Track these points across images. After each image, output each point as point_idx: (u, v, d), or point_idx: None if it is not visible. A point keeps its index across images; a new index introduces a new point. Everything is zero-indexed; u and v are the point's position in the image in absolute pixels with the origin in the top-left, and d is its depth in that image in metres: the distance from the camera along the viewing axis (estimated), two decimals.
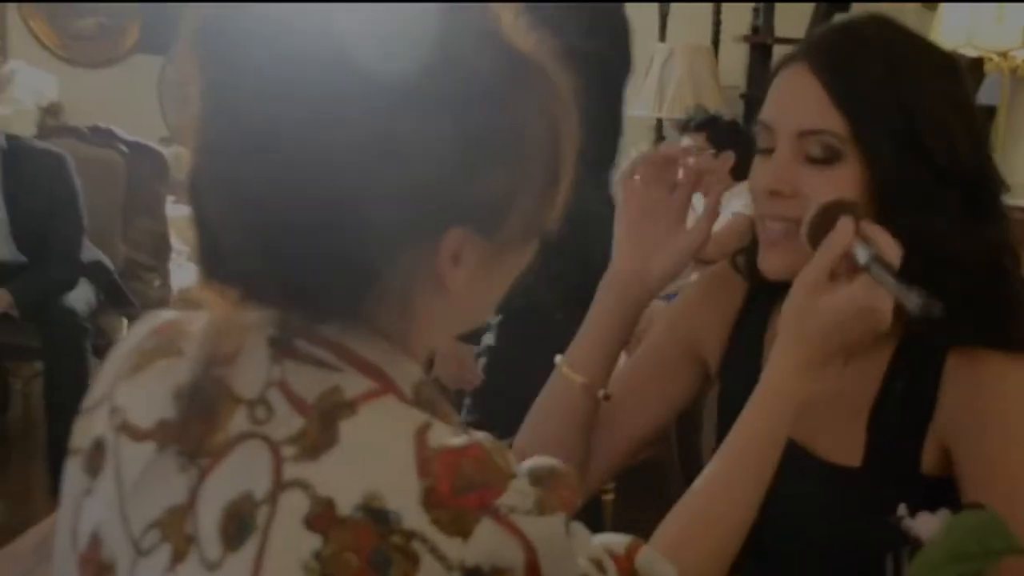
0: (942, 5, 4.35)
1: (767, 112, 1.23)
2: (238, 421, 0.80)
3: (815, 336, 1.08)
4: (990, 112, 4.34)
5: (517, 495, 0.77)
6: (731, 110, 4.81)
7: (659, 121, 5.62)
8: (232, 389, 0.82)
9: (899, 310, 1.09)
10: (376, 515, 0.75)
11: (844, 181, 1.17)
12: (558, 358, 1.32)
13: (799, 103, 1.20)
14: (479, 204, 0.81)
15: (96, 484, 0.86)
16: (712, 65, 5.38)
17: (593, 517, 2.17)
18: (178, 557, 0.79)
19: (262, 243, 0.79)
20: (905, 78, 1.18)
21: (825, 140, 1.17)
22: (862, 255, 1.05)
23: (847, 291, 1.06)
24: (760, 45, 5.67)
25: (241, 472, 0.79)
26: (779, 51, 5.70)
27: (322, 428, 0.78)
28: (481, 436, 0.80)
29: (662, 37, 5.47)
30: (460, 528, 0.75)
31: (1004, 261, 1.21)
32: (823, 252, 1.08)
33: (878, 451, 1.23)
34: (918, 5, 4.66)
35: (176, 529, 0.80)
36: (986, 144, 1.24)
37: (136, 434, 0.85)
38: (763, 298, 1.35)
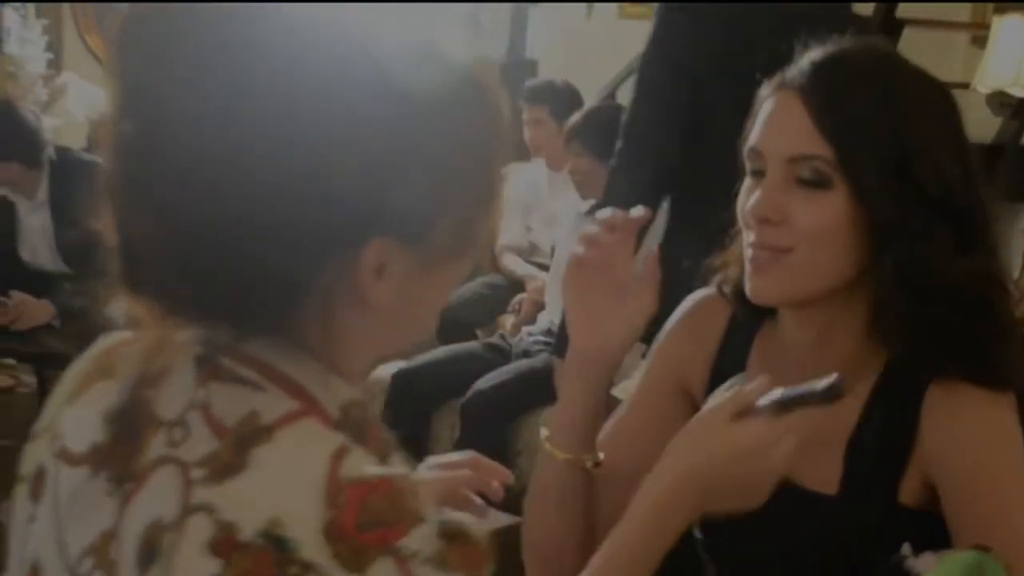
0: (990, 43, 4.32)
1: (756, 138, 1.22)
2: (157, 444, 0.79)
3: (703, 464, 1.06)
4: None
5: (421, 541, 0.74)
6: None
7: None
8: (155, 411, 0.81)
9: (882, 340, 1.09)
10: (276, 542, 0.72)
11: (832, 208, 1.17)
12: (541, 432, 1.30)
13: (788, 129, 1.19)
14: (402, 214, 0.79)
15: (37, 511, 0.86)
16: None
17: None
18: None
19: (180, 257, 0.77)
20: (897, 108, 1.18)
21: (815, 165, 1.17)
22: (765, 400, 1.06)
23: (753, 429, 1.05)
24: None
25: (156, 497, 0.77)
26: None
27: (235, 452, 0.76)
28: (399, 471, 0.77)
29: None
30: (358, 564, 0.72)
31: (992, 294, 1.20)
32: (738, 393, 1.07)
33: (855, 480, 1.23)
34: (967, 43, 4.64)
35: (105, 556, 0.79)
36: (977, 176, 1.23)
37: (72, 459, 0.84)
38: (745, 322, 1.35)
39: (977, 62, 4.36)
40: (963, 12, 5.60)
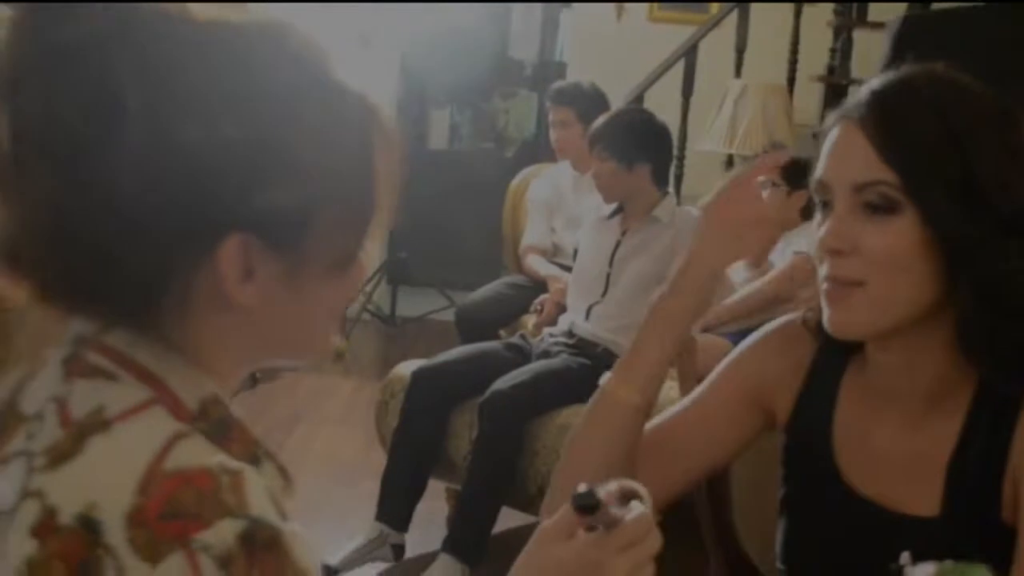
0: None
1: (821, 170, 1.24)
2: (18, 440, 0.81)
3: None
4: None
5: (217, 536, 0.74)
6: (802, 148, 4.78)
7: (729, 157, 5.61)
8: (19, 408, 0.83)
9: (971, 361, 1.09)
10: (89, 524, 0.74)
11: (903, 233, 1.17)
12: (604, 377, 1.35)
13: (851, 158, 1.20)
14: (264, 215, 0.79)
15: None
16: (786, 103, 5.36)
17: None
18: None
19: (46, 241, 0.79)
20: (958, 128, 1.18)
21: (881, 190, 1.17)
22: None
23: (575, 545, 0.97)
24: (836, 85, 5.64)
25: (6, 486, 0.79)
26: (854, 92, 5.67)
27: (74, 441, 0.78)
28: (234, 466, 0.77)
29: (737, 73, 5.46)
30: (151, 554, 0.73)
31: None
32: (565, 510, 0.99)
33: (957, 500, 1.23)
34: None
35: None
36: None
37: None
38: (833, 357, 1.36)
39: None
40: None
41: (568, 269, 3.98)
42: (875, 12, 5.77)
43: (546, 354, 3.47)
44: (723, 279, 3.87)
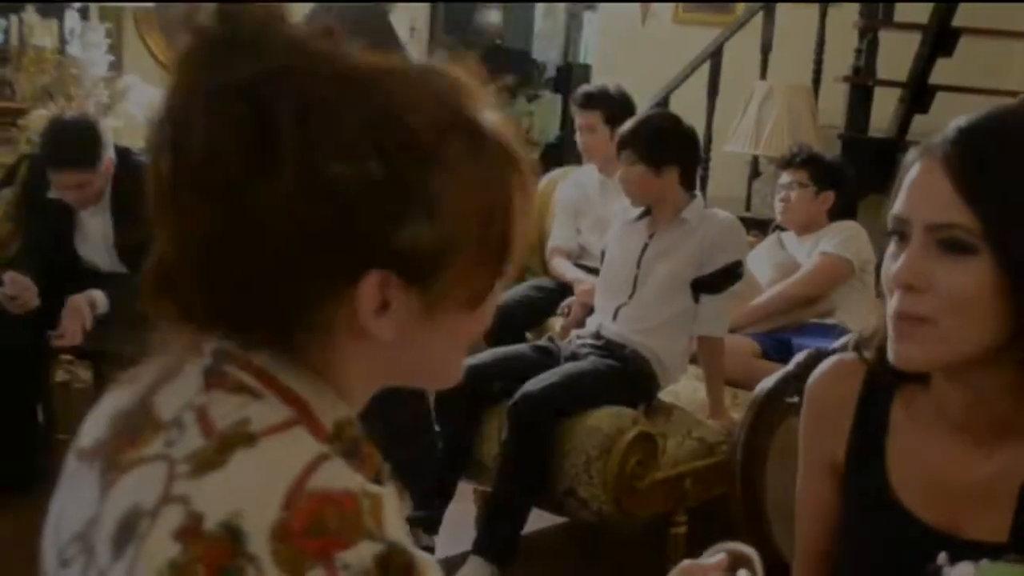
0: None
1: (900, 205, 1.23)
2: (156, 444, 0.84)
3: None
4: None
5: (357, 557, 0.77)
6: (827, 149, 4.79)
7: (755, 158, 5.61)
8: (156, 413, 0.86)
9: None
10: (233, 533, 0.77)
11: (977, 275, 1.16)
12: None
13: (931, 197, 1.20)
14: (403, 253, 0.83)
15: (52, 506, 0.92)
16: (811, 104, 5.37)
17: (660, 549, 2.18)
18: (87, 566, 0.84)
19: (199, 269, 0.83)
20: None
21: (957, 234, 1.17)
22: None
23: None
24: (861, 86, 5.64)
25: (140, 485, 0.82)
26: (879, 93, 5.67)
27: (218, 451, 0.80)
28: (373, 490, 0.80)
29: (763, 75, 5.47)
30: (293, 568, 0.76)
31: None
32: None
33: None
34: None
35: (88, 541, 0.84)
36: None
37: (80, 455, 0.91)
38: (883, 387, 1.36)
39: None
40: (1021, 20, 5.56)
41: (594, 271, 4.00)
42: (901, 12, 5.77)
43: (575, 356, 3.49)
44: (750, 280, 3.88)
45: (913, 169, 1.23)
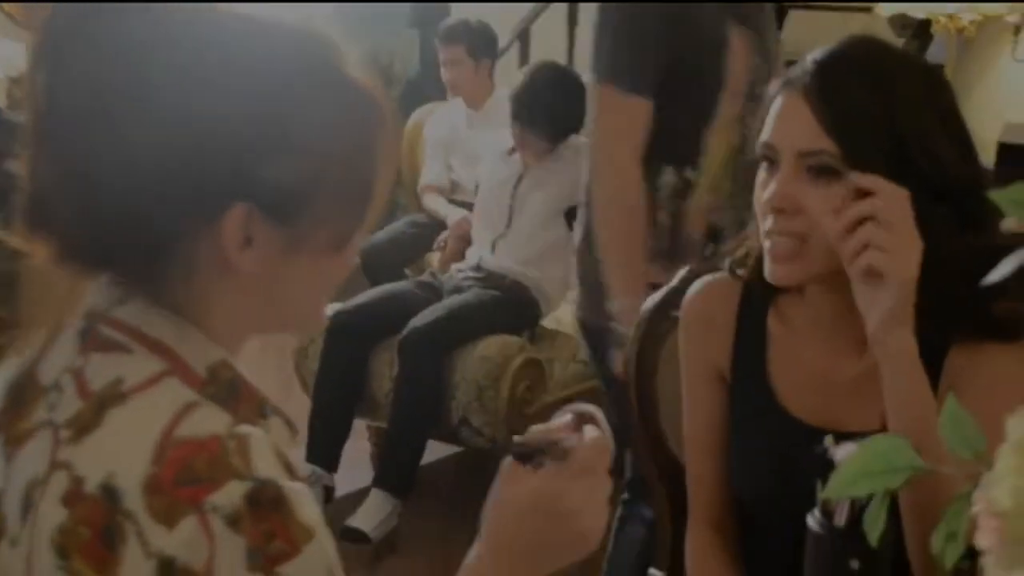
0: None
1: (768, 133, 1.32)
2: (40, 410, 0.88)
3: (499, 527, 0.98)
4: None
5: (225, 497, 0.80)
6: None
7: None
8: (37, 379, 0.90)
9: None
10: (109, 493, 0.81)
11: (842, 197, 1.24)
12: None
13: (795, 126, 1.29)
14: (268, 187, 0.87)
15: None
16: None
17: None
18: (1, 536, 0.88)
19: (76, 200, 0.87)
20: (892, 99, 1.27)
21: (822, 159, 1.27)
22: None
23: (533, 483, 0.97)
24: None
25: (34, 456, 0.86)
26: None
27: (94, 412, 0.85)
28: (243, 430, 0.84)
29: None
30: (168, 518, 0.79)
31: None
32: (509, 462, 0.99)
33: None
34: None
35: (1, 512, 0.88)
36: (974, 153, 1.32)
37: None
38: (759, 299, 1.46)
39: None
40: None
41: (468, 206, 4.05)
42: None
43: (458, 289, 3.56)
44: None
45: (777, 100, 1.33)
